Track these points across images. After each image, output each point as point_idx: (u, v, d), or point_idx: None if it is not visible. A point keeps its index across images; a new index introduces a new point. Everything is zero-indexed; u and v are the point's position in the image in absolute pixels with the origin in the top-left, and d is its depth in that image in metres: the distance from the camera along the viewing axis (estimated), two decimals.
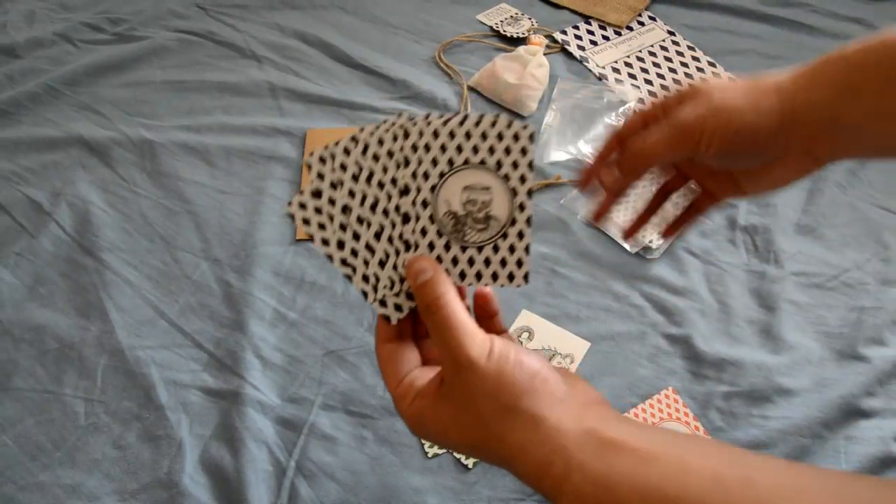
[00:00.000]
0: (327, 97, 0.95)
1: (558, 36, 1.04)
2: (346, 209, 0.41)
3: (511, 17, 1.08)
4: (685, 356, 0.69)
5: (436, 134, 0.40)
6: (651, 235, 0.78)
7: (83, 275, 0.77)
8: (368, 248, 0.41)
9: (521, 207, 0.41)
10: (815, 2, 1.08)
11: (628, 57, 1.01)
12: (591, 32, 1.05)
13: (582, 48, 1.02)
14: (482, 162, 0.40)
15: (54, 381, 0.69)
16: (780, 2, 1.08)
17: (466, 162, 0.40)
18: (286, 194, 0.84)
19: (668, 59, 1.01)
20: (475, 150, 0.40)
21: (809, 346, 0.70)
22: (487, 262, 0.42)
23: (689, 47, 1.02)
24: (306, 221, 0.41)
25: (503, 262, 0.42)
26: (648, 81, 0.97)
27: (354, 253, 0.41)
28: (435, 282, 0.39)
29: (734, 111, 0.42)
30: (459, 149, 0.40)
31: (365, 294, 0.42)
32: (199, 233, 0.81)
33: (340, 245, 0.41)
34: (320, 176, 0.40)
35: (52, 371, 0.69)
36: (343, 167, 0.40)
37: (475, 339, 0.37)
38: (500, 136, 0.40)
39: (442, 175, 0.40)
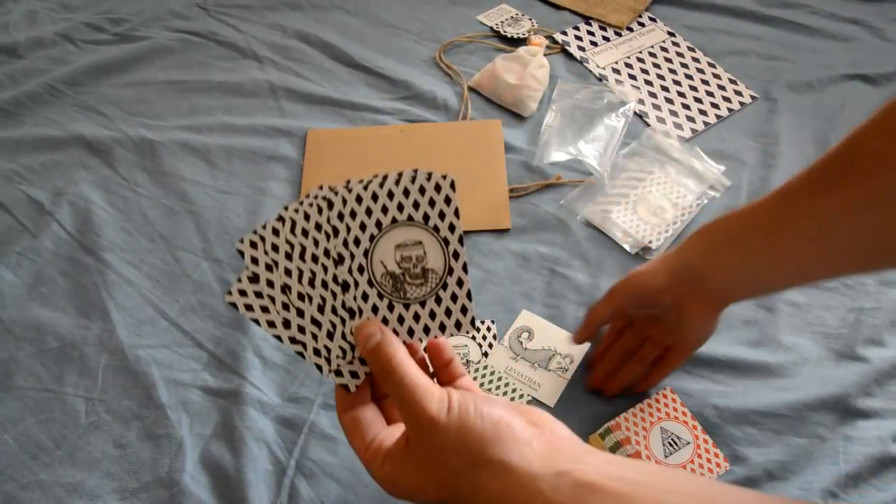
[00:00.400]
0: (328, 97, 0.95)
1: (558, 37, 1.04)
2: (285, 288, 0.40)
3: (511, 17, 1.08)
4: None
5: (359, 199, 0.40)
6: (651, 236, 0.78)
7: (84, 274, 0.77)
8: (314, 322, 0.41)
9: (456, 255, 0.41)
10: (814, 3, 1.08)
11: (628, 58, 1.02)
12: (591, 33, 1.06)
13: (582, 49, 1.03)
14: (409, 218, 0.40)
15: (55, 380, 0.69)
16: (779, 3, 1.08)
17: (394, 221, 0.40)
18: (287, 194, 0.85)
19: (669, 60, 1.01)
20: (400, 207, 0.40)
21: (808, 346, 0.70)
22: (433, 314, 0.42)
23: (690, 48, 1.03)
24: (249, 307, 0.41)
25: (448, 312, 0.42)
26: (648, 82, 0.97)
27: (302, 329, 0.41)
28: (384, 344, 0.39)
29: (636, 276, 0.59)
30: (385, 209, 0.40)
31: (319, 368, 0.41)
32: (199, 232, 0.81)
33: (286, 324, 0.41)
34: (254, 260, 0.40)
35: (52, 370, 0.70)
36: (275, 248, 0.40)
37: (433, 396, 0.37)
38: (422, 190, 0.40)
39: (372, 238, 0.40)
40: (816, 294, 0.74)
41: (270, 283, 0.40)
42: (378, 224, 0.40)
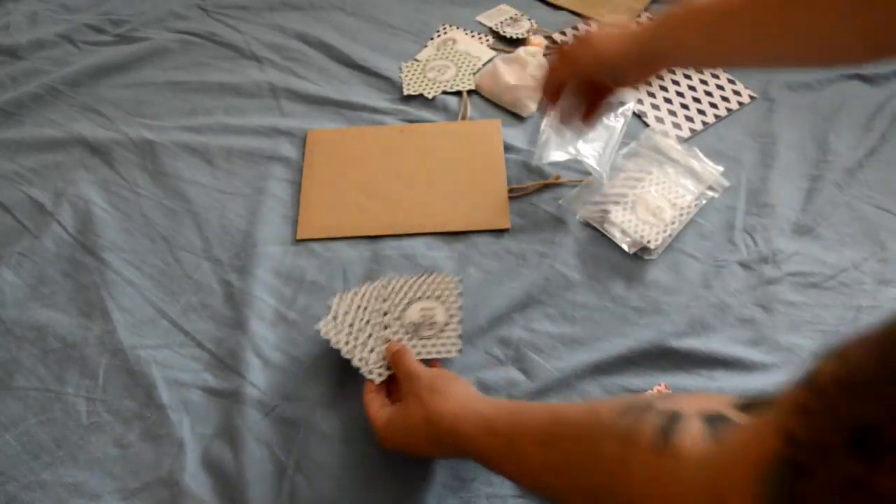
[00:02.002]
0: (328, 98, 0.96)
1: (558, 37, 1.04)
2: (351, 325, 0.69)
3: (511, 18, 1.08)
4: (683, 356, 0.69)
5: (404, 284, 0.72)
6: (650, 236, 0.78)
7: (85, 274, 0.77)
8: (363, 344, 0.68)
9: (452, 316, 0.70)
10: None
11: None
12: None
13: None
14: (429, 296, 0.71)
15: (56, 381, 0.69)
16: None
17: (419, 297, 0.71)
18: (287, 194, 0.85)
19: None
20: (426, 290, 0.72)
21: (806, 345, 0.70)
22: (434, 346, 0.68)
23: None
24: (333, 330, 0.68)
25: (443, 345, 0.68)
26: (647, 82, 0.97)
27: (355, 347, 0.67)
28: (402, 350, 0.65)
29: (599, 43, 0.67)
30: (416, 290, 0.72)
31: (358, 368, 0.66)
32: (199, 233, 0.81)
33: (347, 342, 0.67)
34: (338, 308, 0.70)
35: (54, 370, 0.70)
36: (349, 303, 0.70)
37: (420, 366, 0.62)
38: (439, 282, 0.72)
39: (408, 303, 0.71)
40: (814, 293, 0.74)
41: (343, 322, 0.69)
42: (410, 299, 0.71)
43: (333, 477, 0.62)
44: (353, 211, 0.83)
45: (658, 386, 0.66)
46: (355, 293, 0.71)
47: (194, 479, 0.63)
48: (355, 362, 0.66)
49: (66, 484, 0.63)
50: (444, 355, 0.67)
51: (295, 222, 0.82)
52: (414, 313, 0.70)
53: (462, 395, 0.57)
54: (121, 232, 0.81)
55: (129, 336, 0.72)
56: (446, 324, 0.70)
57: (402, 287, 0.72)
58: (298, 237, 0.81)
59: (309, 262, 0.78)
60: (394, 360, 0.64)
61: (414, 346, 0.67)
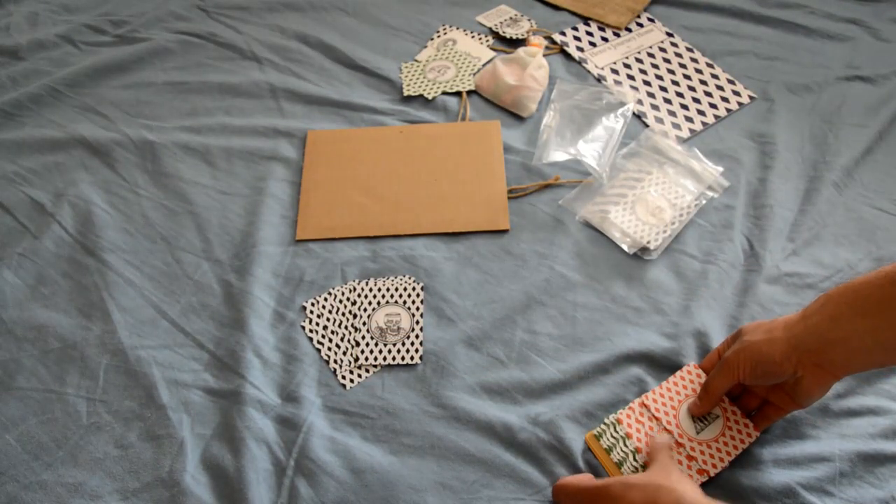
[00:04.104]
0: (328, 98, 0.96)
1: (557, 37, 1.04)
2: (325, 327, 0.73)
3: (510, 18, 1.08)
4: (681, 356, 0.70)
5: (371, 289, 0.75)
6: (650, 236, 0.78)
7: (85, 275, 0.77)
8: (337, 345, 0.72)
9: (417, 322, 0.73)
10: (811, 3, 1.08)
11: (627, 58, 1.02)
12: (590, 34, 1.06)
13: (581, 49, 1.03)
14: (395, 301, 0.74)
15: (57, 381, 0.69)
16: (777, 3, 1.08)
17: (387, 301, 0.74)
18: (286, 195, 0.85)
19: (667, 61, 1.01)
20: (391, 295, 0.75)
21: None
22: (399, 351, 0.71)
23: (688, 49, 1.03)
24: (311, 331, 0.73)
25: (407, 351, 0.71)
26: (647, 83, 0.98)
27: (329, 346, 0.72)
28: (666, 444, 0.61)
29: (754, 346, 0.59)
30: (382, 295, 0.75)
31: (334, 372, 0.70)
32: (200, 233, 0.81)
33: (321, 343, 0.72)
34: (313, 311, 0.74)
35: (54, 371, 0.70)
36: (322, 307, 0.75)
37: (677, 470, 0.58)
38: (404, 287, 0.75)
39: (374, 309, 0.74)
40: (811, 293, 0.75)
41: (318, 324, 0.73)
42: (378, 302, 0.75)
43: (333, 477, 0.63)
44: (353, 211, 0.83)
45: (688, 367, 0.67)
46: (325, 297, 0.75)
47: (194, 479, 0.63)
48: (331, 363, 0.70)
49: (66, 484, 0.63)
50: (406, 362, 0.70)
51: (294, 223, 0.82)
52: (380, 318, 0.73)
53: None
54: (121, 232, 0.81)
55: (129, 336, 0.72)
56: (411, 329, 0.72)
57: (367, 290, 0.75)
58: (298, 237, 0.81)
59: (308, 262, 0.78)
60: (652, 451, 0.61)
61: (381, 352, 0.71)
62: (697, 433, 0.63)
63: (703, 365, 0.67)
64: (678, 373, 0.67)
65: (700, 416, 0.64)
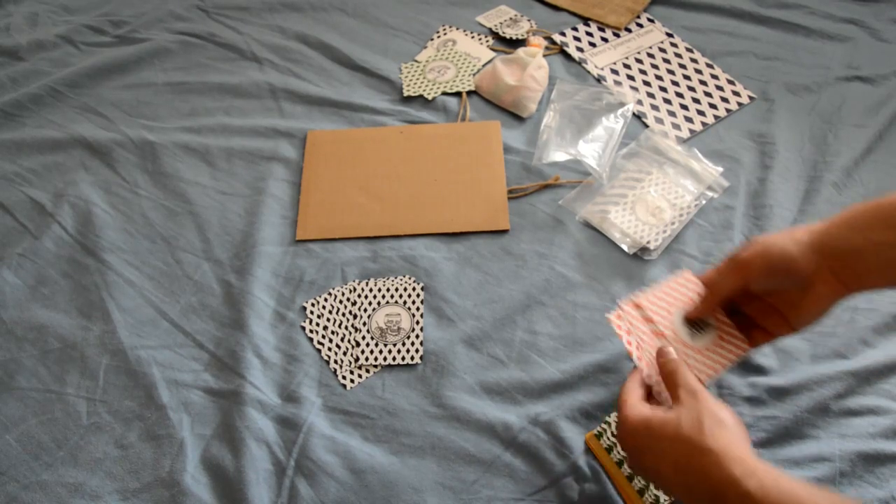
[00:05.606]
0: (328, 98, 0.96)
1: (557, 38, 1.05)
2: (325, 328, 0.73)
3: (510, 18, 1.08)
4: None
5: (371, 289, 0.75)
6: (650, 236, 0.78)
7: (85, 275, 0.77)
8: (337, 345, 0.72)
9: (417, 322, 0.73)
10: (811, 4, 1.08)
11: (627, 59, 1.02)
12: (589, 34, 1.06)
13: (581, 50, 1.03)
14: (396, 301, 0.75)
15: (57, 381, 0.69)
16: (777, 4, 1.08)
17: (388, 302, 0.74)
18: (286, 195, 0.85)
19: (667, 61, 1.01)
20: (392, 295, 0.75)
21: (802, 347, 0.70)
22: (399, 351, 0.71)
23: (688, 49, 1.03)
24: (311, 331, 0.73)
25: (408, 351, 0.71)
26: (647, 83, 0.98)
27: (330, 347, 0.72)
28: (678, 361, 0.55)
29: (774, 242, 0.55)
30: (383, 295, 0.75)
31: (335, 372, 0.70)
32: (200, 233, 0.81)
33: (322, 343, 0.72)
34: (314, 312, 0.74)
35: (54, 371, 0.70)
36: (322, 307, 0.75)
37: (701, 385, 0.53)
38: (404, 287, 0.76)
39: (374, 309, 0.74)
40: None
41: (323, 327, 0.73)
42: (378, 302, 0.75)
43: (333, 477, 0.63)
44: (353, 212, 0.83)
45: (684, 273, 0.64)
46: (326, 297, 0.75)
47: (194, 479, 0.63)
48: (331, 363, 0.70)
49: (66, 484, 0.63)
50: (407, 362, 0.70)
51: (294, 223, 0.82)
52: (380, 318, 0.73)
53: (750, 451, 0.47)
54: (121, 232, 0.81)
55: (129, 336, 0.72)
56: (411, 329, 0.72)
57: (367, 291, 0.75)
58: (298, 238, 0.81)
59: (308, 262, 0.79)
60: (669, 368, 0.55)
61: (381, 352, 0.71)
62: (691, 339, 0.60)
63: (702, 278, 0.63)
64: (672, 277, 0.64)
65: (697, 318, 0.60)
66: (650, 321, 0.61)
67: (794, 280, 0.55)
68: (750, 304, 0.61)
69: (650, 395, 0.56)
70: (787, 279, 0.55)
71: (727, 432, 0.47)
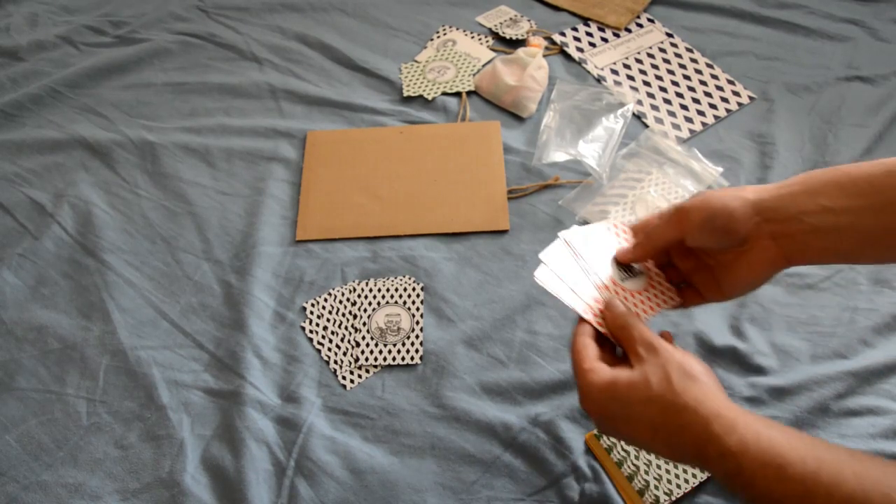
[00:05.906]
0: (327, 99, 0.96)
1: (557, 38, 1.05)
2: (325, 328, 0.73)
3: (510, 19, 1.08)
4: None
5: (371, 289, 0.76)
6: None
7: (85, 276, 0.77)
8: (337, 345, 0.72)
9: (417, 323, 0.73)
10: (811, 4, 1.08)
11: (627, 59, 1.02)
12: (589, 34, 1.06)
13: (581, 50, 1.03)
14: (395, 301, 0.75)
15: (57, 382, 0.69)
16: (776, 4, 1.08)
17: (387, 301, 0.75)
18: (286, 195, 0.85)
19: (667, 61, 1.01)
20: (391, 295, 0.75)
21: (801, 346, 0.70)
22: (399, 352, 0.71)
23: (688, 49, 1.03)
24: (311, 331, 0.73)
25: (407, 351, 0.71)
26: (647, 83, 0.98)
27: (330, 347, 0.72)
28: (628, 313, 0.52)
29: (715, 196, 0.51)
30: (382, 295, 0.75)
31: (335, 372, 0.70)
32: (200, 234, 0.81)
33: (322, 344, 0.72)
34: (314, 313, 0.74)
35: (54, 371, 0.70)
36: (322, 307, 0.75)
37: (660, 338, 0.50)
38: (404, 288, 0.76)
39: (374, 309, 0.74)
40: (811, 294, 0.75)
41: (323, 327, 0.73)
42: (378, 302, 0.75)
43: (333, 477, 0.63)
44: (353, 212, 0.83)
45: (623, 225, 0.60)
46: (325, 298, 0.75)
47: (194, 479, 0.63)
48: (331, 362, 0.70)
49: (66, 484, 0.63)
50: (407, 362, 0.70)
51: (294, 223, 0.82)
52: (380, 318, 0.73)
53: (727, 401, 0.45)
54: (121, 233, 0.81)
55: (129, 337, 0.72)
56: (411, 329, 0.72)
57: (367, 291, 0.75)
58: (298, 238, 0.81)
59: (308, 262, 0.79)
60: (619, 322, 0.51)
61: (381, 353, 0.71)
62: (622, 280, 0.56)
63: (640, 222, 0.58)
64: (603, 223, 0.60)
65: (628, 262, 0.57)
66: (581, 257, 0.57)
67: (731, 239, 0.51)
68: (685, 259, 0.57)
69: (602, 347, 0.52)
70: (725, 237, 0.51)
71: (699, 385, 0.45)
